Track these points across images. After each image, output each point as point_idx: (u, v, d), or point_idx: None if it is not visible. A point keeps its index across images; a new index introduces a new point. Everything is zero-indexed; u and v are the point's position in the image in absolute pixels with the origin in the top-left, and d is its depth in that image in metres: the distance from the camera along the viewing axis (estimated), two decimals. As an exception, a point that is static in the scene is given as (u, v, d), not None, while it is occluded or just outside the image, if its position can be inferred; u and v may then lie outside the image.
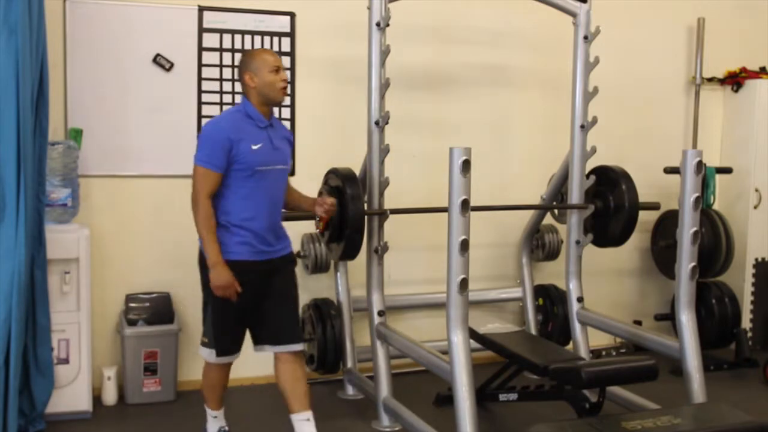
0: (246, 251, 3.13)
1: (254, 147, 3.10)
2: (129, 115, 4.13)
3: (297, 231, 4.13)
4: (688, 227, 3.64)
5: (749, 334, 5.06)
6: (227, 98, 4.29)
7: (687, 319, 3.69)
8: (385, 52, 3.83)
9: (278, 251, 3.25)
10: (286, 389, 3.23)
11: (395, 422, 3.76)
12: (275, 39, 4.36)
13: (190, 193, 3.08)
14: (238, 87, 4.26)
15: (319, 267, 4.34)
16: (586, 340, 4.35)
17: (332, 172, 3.86)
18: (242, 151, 3.07)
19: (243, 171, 3.08)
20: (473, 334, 3.80)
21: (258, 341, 3.28)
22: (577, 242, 4.39)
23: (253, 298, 3.17)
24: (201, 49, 4.23)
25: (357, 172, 3.87)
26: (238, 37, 4.29)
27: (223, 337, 3.20)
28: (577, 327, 4.36)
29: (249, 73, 3.14)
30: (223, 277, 3.05)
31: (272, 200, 3.21)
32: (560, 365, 3.40)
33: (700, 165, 3.64)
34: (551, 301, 4.80)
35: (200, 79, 4.24)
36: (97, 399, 4.01)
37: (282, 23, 4.38)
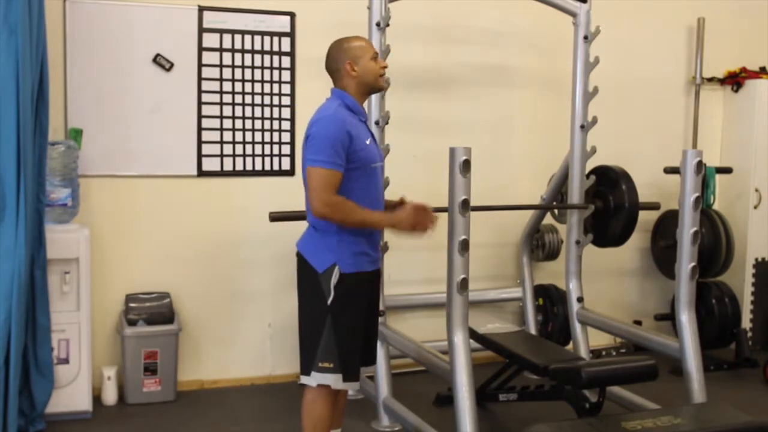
0: (363, 261, 2.88)
1: (367, 142, 2.86)
2: (129, 115, 4.12)
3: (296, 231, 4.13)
4: (688, 227, 3.64)
5: (749, 334, 5.06)
6: (227, 98, 4.29)
7: (687, 319, 3.68)
8: (385, 52, 3.83)
9: (379, 259, 3.03)
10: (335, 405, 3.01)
11: (395, 422, 3.76)
12: (275, 39, 4.36)
13: (310, 202, 2.79)
14: (238, 87, 4.29)
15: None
16: (586, 340, 4.35)
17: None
18: (359, 147, 2.81)
19: (359, 170, 2.81)
20: (473, 334, 3.80)
21: None
22: (577, 242, 4.39)
23: (366, 311, 2.94)
24: (201, 49, 4.23)
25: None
26: (238, 37, 4.29)
27: (352, 356, 2.87)
28: (577, 327, 4.37)
29: (350, 62, 2.88)
30: (412, 214, 2.80)
31: (380, 201, 2.98)
32: (560, 365, 3.39)
33: (700, 165, 3.64)
34: (551, 301, 4.80)
35: (200, 79, 4.24)
36: (97, 399, 4.00)
37: (282, 23, 4.38)
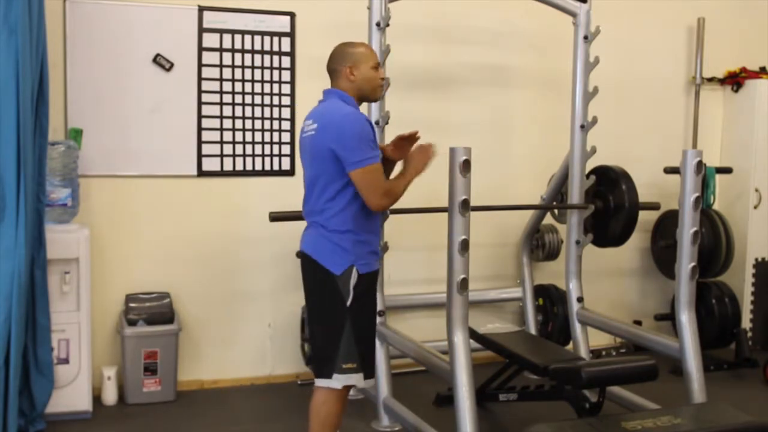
0: (373, 260, 2.91)
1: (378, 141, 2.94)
2: (129, 115, 4.12)
3: (296, 231, 4.13)
4: (688, 227, 3.64)
5: (749, 334, 5.06)
6: (227, 98, 4.29)
7: (687, 319, 3.68)
8: (385, 52, 3.83)
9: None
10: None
11: (395, 422, 3.76)
12: (275, 39, 4.36)
13: (368, 200, 2.80)
14: (238, 87, 4.29)
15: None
16: (586, 340, 4.35)
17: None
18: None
19: None
20: (473, 334, 3.80)
21: None
22: (577, 242, 4.39)
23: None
24: (201, 49, 4.23)
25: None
26: (238, 37, 4.29)
27: (370, 354, 2.93)
28: (577, 327, 4.36)
29: (349, 66, 2.90)
30: (418, 155, 2.94)
31: None
32: (560, 365, 3.39)
33: (700, 165, 3.64)
34: (551, 301, 4.80)
35: (200, 79, 4.24)
36: (97, 399, 4.00)
37: (282, 23, 4.38)
